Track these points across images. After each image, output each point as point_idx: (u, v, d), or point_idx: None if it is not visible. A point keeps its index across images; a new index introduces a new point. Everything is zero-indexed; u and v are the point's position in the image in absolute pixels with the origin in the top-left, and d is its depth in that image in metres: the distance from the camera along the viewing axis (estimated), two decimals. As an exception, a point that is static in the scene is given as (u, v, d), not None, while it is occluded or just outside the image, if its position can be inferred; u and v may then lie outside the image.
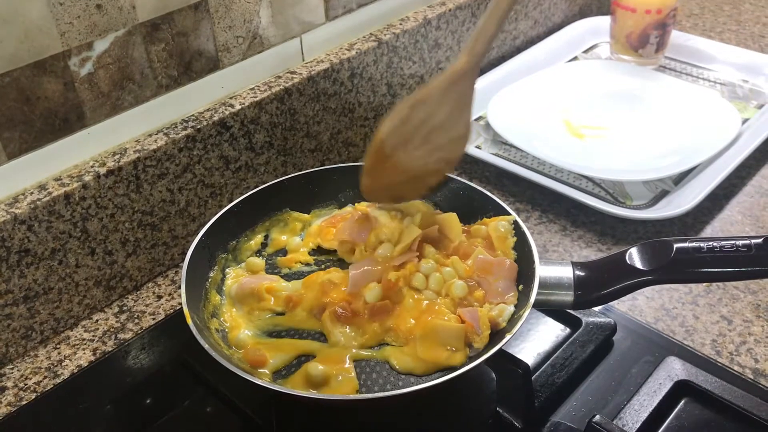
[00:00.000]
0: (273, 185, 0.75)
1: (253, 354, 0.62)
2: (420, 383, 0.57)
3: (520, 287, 0.64)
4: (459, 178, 0.75)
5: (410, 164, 0.68)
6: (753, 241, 0.57)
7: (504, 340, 0.57)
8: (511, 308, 0.63)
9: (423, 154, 0.68)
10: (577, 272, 0.61)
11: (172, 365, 0.71)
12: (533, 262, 0.63)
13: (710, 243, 0.58)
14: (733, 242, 0.58)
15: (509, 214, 0.69)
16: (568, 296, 0.61)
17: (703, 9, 1.35)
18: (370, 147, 0.67)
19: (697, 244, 0.58)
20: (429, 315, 0.62)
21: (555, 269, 0.62)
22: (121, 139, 0.75)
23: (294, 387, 0.59)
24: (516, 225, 0.68)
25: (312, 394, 0.58)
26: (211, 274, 0.69)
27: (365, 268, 0.66)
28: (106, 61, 0.71)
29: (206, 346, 0.57)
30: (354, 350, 0.63)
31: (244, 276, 0.70)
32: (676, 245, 0.59)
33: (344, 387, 0.59)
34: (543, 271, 0.62)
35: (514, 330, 0.58)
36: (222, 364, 0.56)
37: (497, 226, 0.69)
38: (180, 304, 0.78)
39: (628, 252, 0.61)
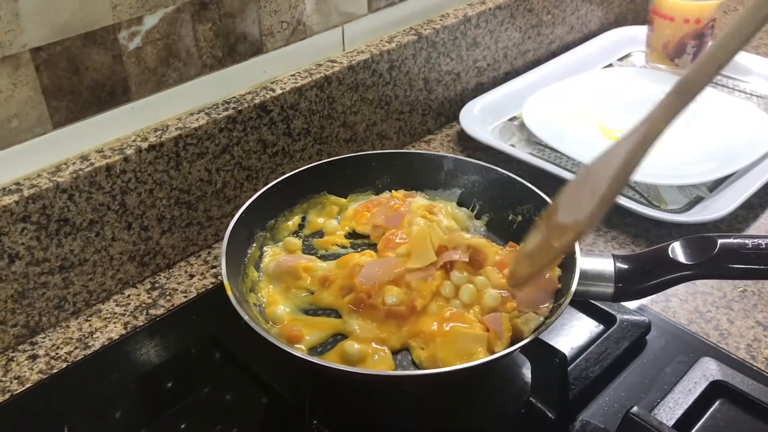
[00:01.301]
0: (312, 168, 0.75)
1: (290, 329, 0.62)
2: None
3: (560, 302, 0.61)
4: (502, 170, 0.75)
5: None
6: None
7: (544, 327, 0.57)
8: (540, 319, 0.61)
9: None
10: (619, 264, 0.61)
11: (202, 343, 0.71)
12: (574, 252, 0.62)
13: (755, 240, 0.57)
14: None
15: (549, 203, 0.68)
16: (608, 288, 0.61)
17: (739, 24, 1.34)
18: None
19: (741, 241, 0.58)
20: (453, 322, 0.61)
21: (596, 261, 0.62)
22: (163, 116, 0.76)
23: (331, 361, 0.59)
24: None
25: (352, 368, 0.57)
26: (250, 251, 0.70)
27: (380, 268, 0.65)
28: (155, 37, 0.72)
29: (246, 318, 0.57)
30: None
31: (282, 254, 0.70)
32: (720, 240, 0.58)
33: (380, 365, 0.59)
34: (584, 262, 0.61)
35: (555, 317, 0.57)
36: (260, 337, 0.56)
37: None
38: (212, 283, 0.78)
39: (671, 246, 0.60)
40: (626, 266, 0.61)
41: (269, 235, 0.73)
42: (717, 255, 0.58)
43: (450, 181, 0.78)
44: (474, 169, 0.77)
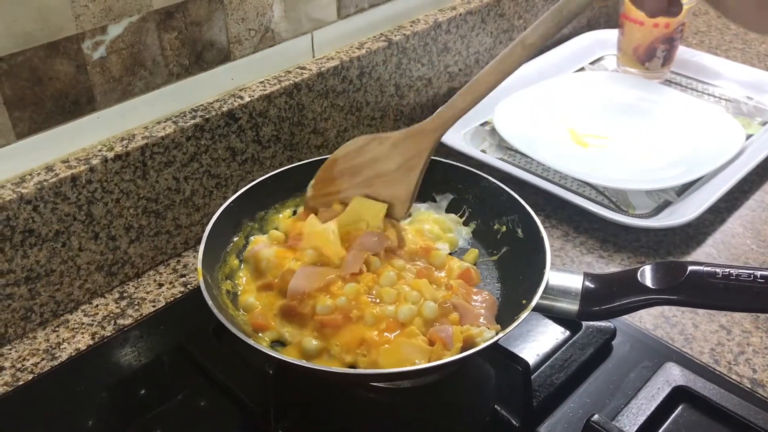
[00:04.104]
0: (306, 164, 0.76)
1: (256, 318, 0.62)
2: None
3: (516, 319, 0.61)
4: (487, 176, 0.76)
5: (347, 201, 0.70)
6: None
7: (502, 333, 0.58)
8: (492, 333, 0.61)
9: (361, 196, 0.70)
10: (587, 283, 0.61)
11: (170, 353, 0.71)
12: (545, 265, 0.62)
13: (726, 270, 0.56)
14: (751, 272, 0.55)
15: (531, 216, 0.70)
16: (573, 305, 0.61)
17: (710, 27, 1.36)
18: (326, 161, 0.71)
19: (712, 269, 0.57)
20: (396, 332, 0.61)
21: (565, 277, 0.62)
22: (129, 125, 0.76)
23: (288, 356, 0.59)
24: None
25: (300, 362, 0.57)
26: (235, 239, 0.72)
27: (309, 277, 0.64)
28: (119, 46, 0.71)
29: (210, 303, 0.58)
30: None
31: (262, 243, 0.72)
32: (690, 267, 0.57)
33: (335, 362, 0.59)
34: (553, 276, 0.62)
35: (514, 325, 0.58)
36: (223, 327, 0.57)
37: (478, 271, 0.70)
38: (181, 292, 0.78)
39: (641, 269, 0.60)
40: (594, 286, 0.61)
41: (257, 226, 0.74)
42: (684, 282, 0.57)
43: (443, 185, 0.79)
44: (465, 175, 0.77)
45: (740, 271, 0.56)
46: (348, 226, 0.68)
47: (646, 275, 0.60)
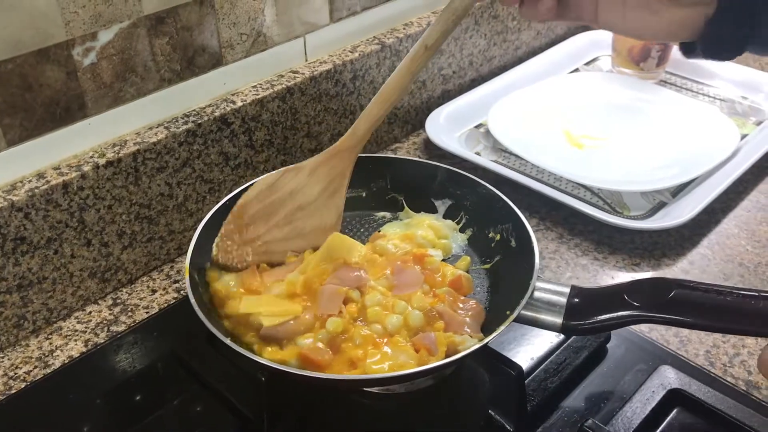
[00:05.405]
0: None
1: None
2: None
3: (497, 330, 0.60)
4: (485, 183, 0.75)
5: (268, 246, 0.67)
6: (762, 293, 0.53)
7: (480, 343, 0.57)
8: (475, 341, 0.60)
9: (284, 236, 0.67)
10: (573, 297, 0.60)
11: (164, 359, 0.71)
12: (532, 276, 0.62)
13: (714, 288, 0.55)
14: (738, 293, 0.54)
15: (525, 226, 0.69)
16: (557, 318, 0.60)
17: (705, 26, 1.35)
18: (232, 210, 0.67)
19: (698, 292, 0.56)
20: (381, 343, 0.60)
21: (552, 289, 0.61)
22: (121, 131, 0.75)
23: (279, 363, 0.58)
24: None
25: (291, 369, 0.56)
26: None
27: (283, 328, 0.62)
28: (110, 52, 0.71)
29: (193, 301, 0.59)
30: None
31: None
32: (676, 286, 0.56)
33: None
34: (539, 288, 0.61)
35: (493, 335, 0.57)
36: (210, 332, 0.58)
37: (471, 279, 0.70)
38: (175, 298, 0.78)
39: (628, 285, 0.59)
40: (578, 300, 0.60)
41: None
42: (670, 300, 0.56)
43: (441, 191, 0.79)
44: (464, 181, 0.77)
45: (727, 290, 0.55)
46: (322, 265, 0.65)
47: (633, 292, 0.58)
